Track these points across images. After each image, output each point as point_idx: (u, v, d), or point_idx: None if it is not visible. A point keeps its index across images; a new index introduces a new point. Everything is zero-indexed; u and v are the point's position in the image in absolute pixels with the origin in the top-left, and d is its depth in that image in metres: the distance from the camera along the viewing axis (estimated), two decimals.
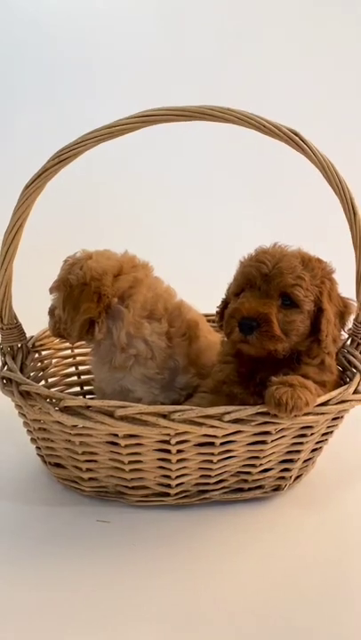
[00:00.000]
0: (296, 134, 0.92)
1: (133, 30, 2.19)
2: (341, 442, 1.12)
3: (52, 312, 1.06)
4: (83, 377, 1.28)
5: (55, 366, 1.22)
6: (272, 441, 0.93)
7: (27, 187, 0.92)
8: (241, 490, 1.01)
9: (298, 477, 1.06)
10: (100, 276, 0.99)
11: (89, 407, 0.87)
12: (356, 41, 2.24)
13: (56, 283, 1.04)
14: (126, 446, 0.91)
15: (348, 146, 1.95)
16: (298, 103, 2.10)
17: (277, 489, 1.03)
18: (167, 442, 0.89)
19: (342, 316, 0.99)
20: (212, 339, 1.12)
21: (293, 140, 0.92)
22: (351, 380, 0.97)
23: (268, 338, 0.90)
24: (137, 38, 2.19)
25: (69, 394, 1.23)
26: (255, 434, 0.91)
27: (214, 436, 0.89)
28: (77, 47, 2.18)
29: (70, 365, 1.27)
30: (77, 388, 1.28)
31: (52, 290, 1.04)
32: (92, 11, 2.19)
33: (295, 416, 0.86)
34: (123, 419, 0.86)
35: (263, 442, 0.92)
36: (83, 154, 0.92)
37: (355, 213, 0.96)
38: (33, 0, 2.16)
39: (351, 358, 1.04)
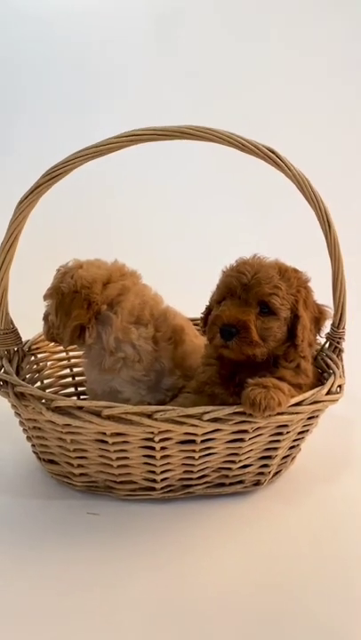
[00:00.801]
0: (273, 152, 0.99)
1: (129, 49, 2.27)
2: (322, 439, 1.19)
3: (46, 318, 1.12)
4: (77, 378, 1.34)
5: (50, 368, 1.29)
6: (250, 439, 0.99)
7: (20, 202, 0.99)
8: (223, 484, 1.07)
9: (277, 473, 1.12)
10: (90, 285, 1.06)
11: (78, 407, 0.94)
12: (330, 61, 2.32)
13: (49, 290, 1.10)
14: (114, 444, 0.97)
15: (326, 160, 2.04)
16: (282, 120, 2.19)
17: (257, 484, 1.09)
18: (151, 439, 0.96)
19: (318, 321, 1.05)
20: (198, 342, 1.18)
21: (270, 157, 0.98)
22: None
23: (246, 343, 0.96)
24: (133, 56, 2.27)
25: (64, 394, 1.31)
26: (233, 432, 0.97)
27: (195, 434, 0.96)
28: (74, 65, 2.25)
29: (65, 367, 1.33)
30: (72, 389, 1.34)
31: (45, 297, 1.11)
32: (90, 29, 2.26)
33: (268, 415, 0.92)
34: (109, 418, 0.93)
35: (241, 439, 0.99)
36: (73, 170, 0.99)
37: (330, 225, 1.02)
38: (32, 17, 2.23)
39: (329, 361, 1.10)
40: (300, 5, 2.28)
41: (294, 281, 1.01)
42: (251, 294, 0.99)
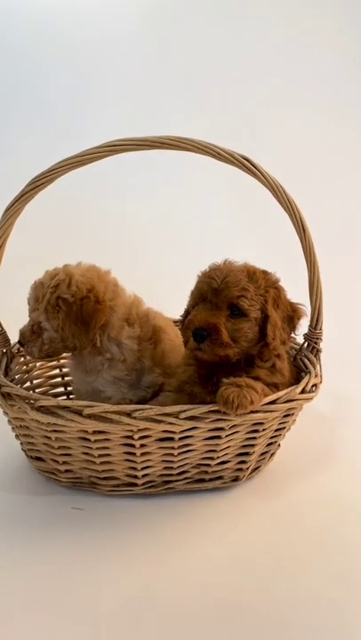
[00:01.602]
0: (247, 160, 1.03)
1: (119, 56, 2.31)
2: (302, 436, 1.24)
3: (35, 336, 1.12)
4: (66, 378, 1.37)
5: (40, 369, 1.33)
6: (226, 436, 1.03)
7: (6, 210, 1.03)
8: (202, 480, 1.11)
9: (256, 469, 1.16)
10: (95, 286, 1.10)
11: (61, 407, 0.98)
12: (315, 69, 2.36)
13: (42, 307, 1.09)
14: (96, 441, 1.01)
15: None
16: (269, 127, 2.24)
17: (236, 479, 1.13)
18: (131, 437, 1.00)
19: (291, 320, 1.09)
20: (178, 342, 1.22)
21: (245, 165, 1.02)
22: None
23: (218, 345, 1.00)
24: (123, 63, 2.31)
25: (54, 394, 1.35)
26: (210, 429, 1.01)
27: (173, 432, 1.00)
28: (64, 71, 2.29)
29: (54, 367, 1.37)
30: (61, 389, 1.39)
31: (38, 317, 1.10)
32: (84, 35, 2.30)
33: (242, 414, 0.96)
34: (90, 417, 0.97)
35: (218, 437, 1.02)
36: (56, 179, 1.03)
37: (305, 230, 1.06)
38: (27, 23, 2.27)
39: (306, 361, 1.14)
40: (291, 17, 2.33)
41: (262, 282, 1.05)
42: (220, 298, 1.03)
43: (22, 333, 1.14)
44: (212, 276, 1.04)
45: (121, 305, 1.13)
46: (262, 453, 1.14)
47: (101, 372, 1.12)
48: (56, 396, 1.36)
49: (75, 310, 1.08)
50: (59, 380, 1.38)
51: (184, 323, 1.11)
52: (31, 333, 1.12)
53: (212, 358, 1.03)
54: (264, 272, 1.08)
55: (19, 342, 1.16)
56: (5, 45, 2.22)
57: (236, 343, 1.02)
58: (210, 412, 0.98)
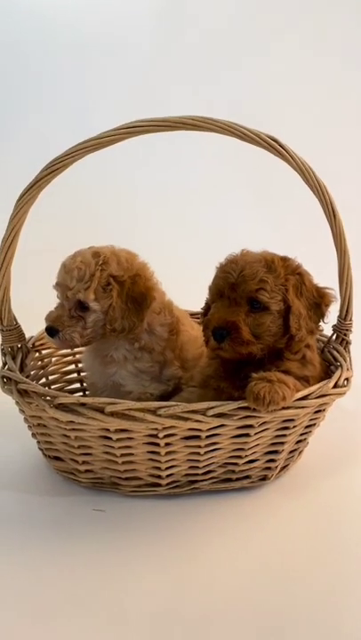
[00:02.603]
0: (275, 141, 0.97)
1: (130, 41, 2.25)
2: (330, 433, 1.18)
3: (74, 320, 1.04)
4: (82, 374, 1.33)
5: (55, 364, 1.28)
6: (255, 433, 0.98)
7: (20, 197, 0.98)
8: (229, 480, 1.06)
9: (284, 468, 1.11)
10: (144, 265, 1.06)
11: (81, 404, 0.93)
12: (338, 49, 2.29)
13: (93, 286, 1.02)
14: (118, 440, 0.97)
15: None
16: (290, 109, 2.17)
17: (264, 479, 1.08)
18: (155, 436, 0.95)
19: (319, 306, 1.02)
20: (194, 334, 1.17)
21: (273, 146, 0.96)
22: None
23: (238, 343, 0.95)
24: (132, 48, 2.25)
25: (69, 390, 1.31)
26: (238, 427, 0.96)
27: (199, 430, 0.95)
28: (74, 55, 2.24)
29: (70, 363, 1.32)
30: (77, 385, 1.34)
31: (84, 296, 1.02)
32: (91, 21, 2.25)
33: (273, 410, 0.91)
34: (113, 415, 0.92)
35: (247, 434, 0.97)
36: (73, 164, 0.98)
37: (335, 215, 1.00)
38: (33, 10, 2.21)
39: (336, 354, 1.09)
40: None
41: (281, 271, 0.99)
42: (238, 293, 0.98)
43: (56, 318, 1.04)
44: (228, 271, 0.99)
45: (159, 293, 1.09)
46: (291, 451, 1.09)
47: (125, 364, 1.07)
48: (73, 392, 1.31)
49: (126, 289, 1.02)
50: (74, 375, 1.33)
51: (205, 315, 1.05)
52: (70, 318, 1.04)
53: (234, 357, 0.98)
54: (283, 259, 1.02)
55: (49, 330, 1.06)
56: (18, 30, 2.17)
57: (259, 339, 0.97)
58: (239, 408, 0.93)
